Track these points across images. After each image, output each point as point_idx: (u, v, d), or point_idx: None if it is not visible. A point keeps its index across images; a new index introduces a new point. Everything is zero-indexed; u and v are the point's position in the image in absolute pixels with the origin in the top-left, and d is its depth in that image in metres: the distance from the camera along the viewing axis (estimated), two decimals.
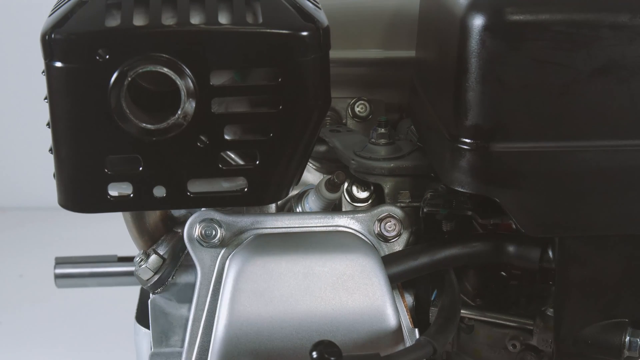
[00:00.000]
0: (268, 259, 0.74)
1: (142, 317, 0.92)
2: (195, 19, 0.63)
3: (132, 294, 1.05)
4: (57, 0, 0.67)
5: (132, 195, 0.66)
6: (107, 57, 0.61)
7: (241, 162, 0.69)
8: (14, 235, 2.52)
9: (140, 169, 0.65)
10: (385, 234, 0.82)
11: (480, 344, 0.88)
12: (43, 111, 0.68)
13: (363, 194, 0.88)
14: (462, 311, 0.83)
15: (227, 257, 0.79)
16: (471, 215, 0.82)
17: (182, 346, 0.82)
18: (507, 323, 0.87)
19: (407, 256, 0.81)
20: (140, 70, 0.61)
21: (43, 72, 0.66)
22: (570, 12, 0.69)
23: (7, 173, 2.73)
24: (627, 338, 0.77)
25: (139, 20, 0.63)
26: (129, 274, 1.13)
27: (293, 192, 0.83)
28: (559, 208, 0.73)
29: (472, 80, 0.71)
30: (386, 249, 0.83)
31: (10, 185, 2.74)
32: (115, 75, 0.62)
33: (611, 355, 0.78)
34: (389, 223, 0.83)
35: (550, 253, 0.79)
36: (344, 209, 0.87)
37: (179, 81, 0.61)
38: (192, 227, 0.80)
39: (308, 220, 0.82)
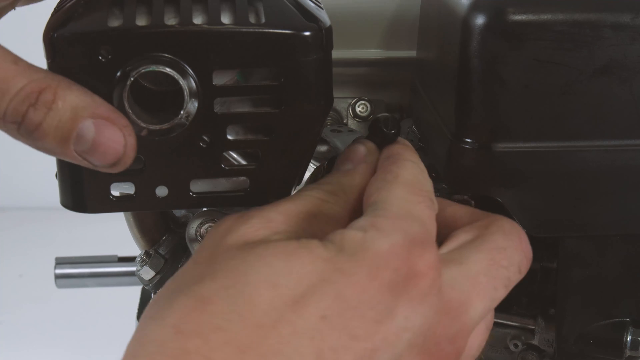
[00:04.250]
0: None
1: None
2: (198, 19, 0.63)
3: (132, 294, 1.05)
4: (60, 0, 0.67)
5: (134, 195, 0.66)
6: (110, 57, 0.61)
7: (243, 162, 0.69)
8: (14, 235, 2.52)
9: (143, 169, 0.65)
10: None
11: None
12: None
13: None
14: None
15: None
16: None
17: None
18: (509, 323, 0.87)
19: None
20: (143, 70, 0.61)
21: None
22: (572, 12, 0.69)
23: (7, 173, 2.73)
24: (629, 337, 0.77)
25: (141, 20, 0.62)
26: (130, 274, 1.13)
27: (295, 192, 0.83)
28: (560, 208, 0.73)
29: (473, 80, 0.71)
30: None
31: (10, 185, 2.74)
32: (117, 75, 0.61)
33: (613, 355, 0.78)
34: None
35: (552, 253, 0.79)
36: None
37: (181, 81, 0.61)
38: (194, 227, 0.80)
39: None
